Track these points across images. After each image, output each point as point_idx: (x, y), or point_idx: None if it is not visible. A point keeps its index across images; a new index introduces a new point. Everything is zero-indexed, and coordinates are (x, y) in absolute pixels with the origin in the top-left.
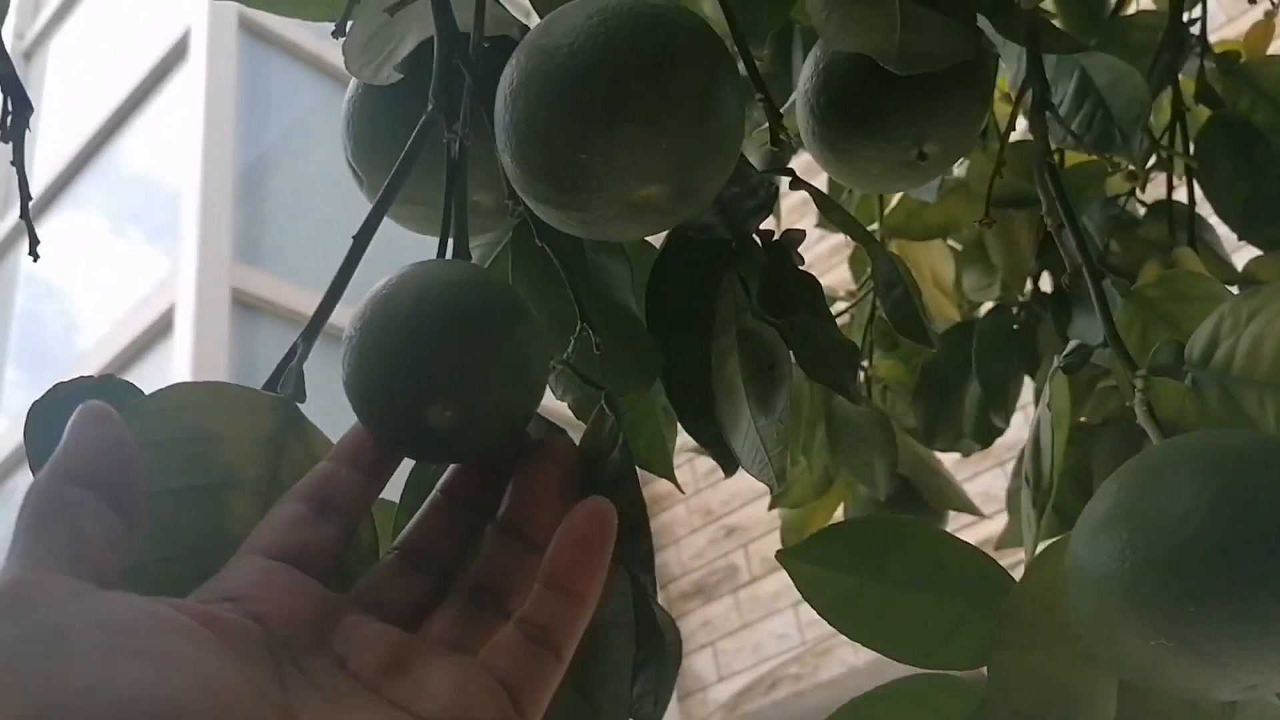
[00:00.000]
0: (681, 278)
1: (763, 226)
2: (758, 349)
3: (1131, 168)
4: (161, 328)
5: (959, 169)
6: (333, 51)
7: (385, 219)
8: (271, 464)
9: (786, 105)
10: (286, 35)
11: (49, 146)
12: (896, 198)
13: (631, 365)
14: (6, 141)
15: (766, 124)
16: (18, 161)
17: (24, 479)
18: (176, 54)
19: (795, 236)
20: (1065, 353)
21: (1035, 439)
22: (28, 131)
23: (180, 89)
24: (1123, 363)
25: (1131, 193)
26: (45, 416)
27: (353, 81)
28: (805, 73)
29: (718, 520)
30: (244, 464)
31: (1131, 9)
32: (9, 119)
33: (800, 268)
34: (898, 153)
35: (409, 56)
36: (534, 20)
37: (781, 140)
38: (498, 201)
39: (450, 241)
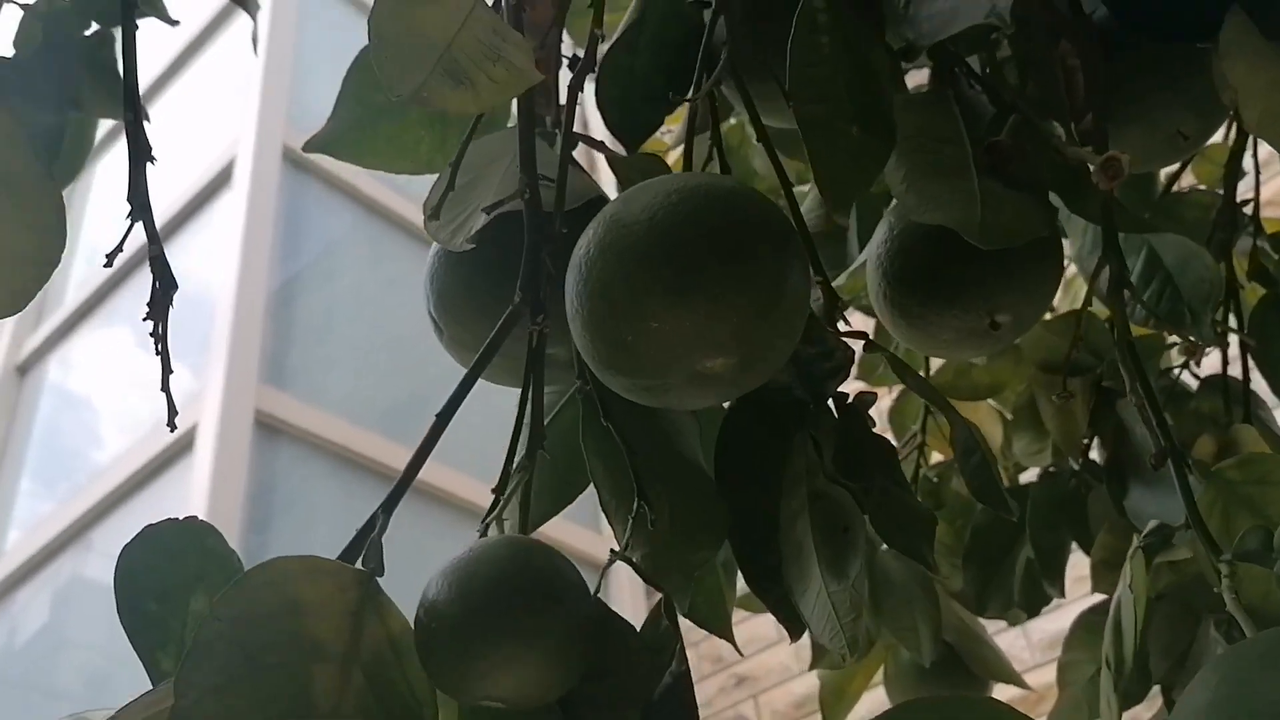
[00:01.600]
0: (751, 435)
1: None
2: (830, 511)
3: (1191, 339)
4: (182, 446)
5: None
6: (365, 179)
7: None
8: (353, 637)
9: (854, 267)
10: (324, 165)
11: (88, 260)
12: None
13: (699, 526)
14: (150, 320)
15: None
16: (161, 340)
17: (31, 592)
18: (221, 180)
19: (867, 399)
20: (1146, 533)
21: (1116, 621)
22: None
23: (222, 213)
24: (1206, 547)
25: (1185, 365)
26: (134, 558)
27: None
28: (878, 237)
29: (728, 668)
30: (329, 637)
31: (1183, 185)
32: (153, 297)
33: (874, 431)
34: (971, 321)
35: (486, 229)
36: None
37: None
38: (568, 355)
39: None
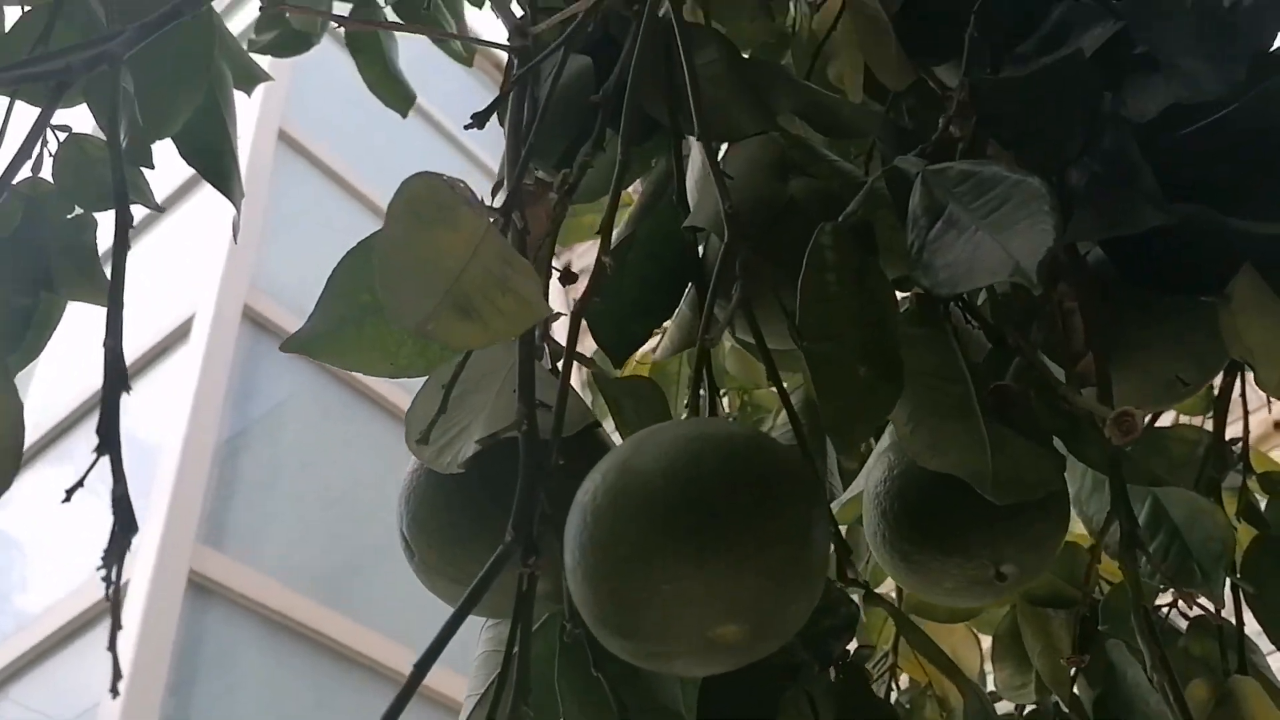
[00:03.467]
0: (739, 689)
1: None
2: None
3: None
4: (109, 607)
5: None
6: None
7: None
8: None
9: (848, 497)
10: (282, 324)
11: (43, 401)
12: None
13: None
14: (106, 565)
15: None
16: (113, 582)
17: None
18: (179, 334)
19: (865, 654)
20: None
21: None
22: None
23: (177, 367)
24: None
25: (1174, 604)
26: None
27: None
28: (876, 475)
29: None
30: None
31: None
32: (111, 538)
33: (872, 691)
34: (974, 570)
35: (472, 456)
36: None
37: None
38: (555, 589)
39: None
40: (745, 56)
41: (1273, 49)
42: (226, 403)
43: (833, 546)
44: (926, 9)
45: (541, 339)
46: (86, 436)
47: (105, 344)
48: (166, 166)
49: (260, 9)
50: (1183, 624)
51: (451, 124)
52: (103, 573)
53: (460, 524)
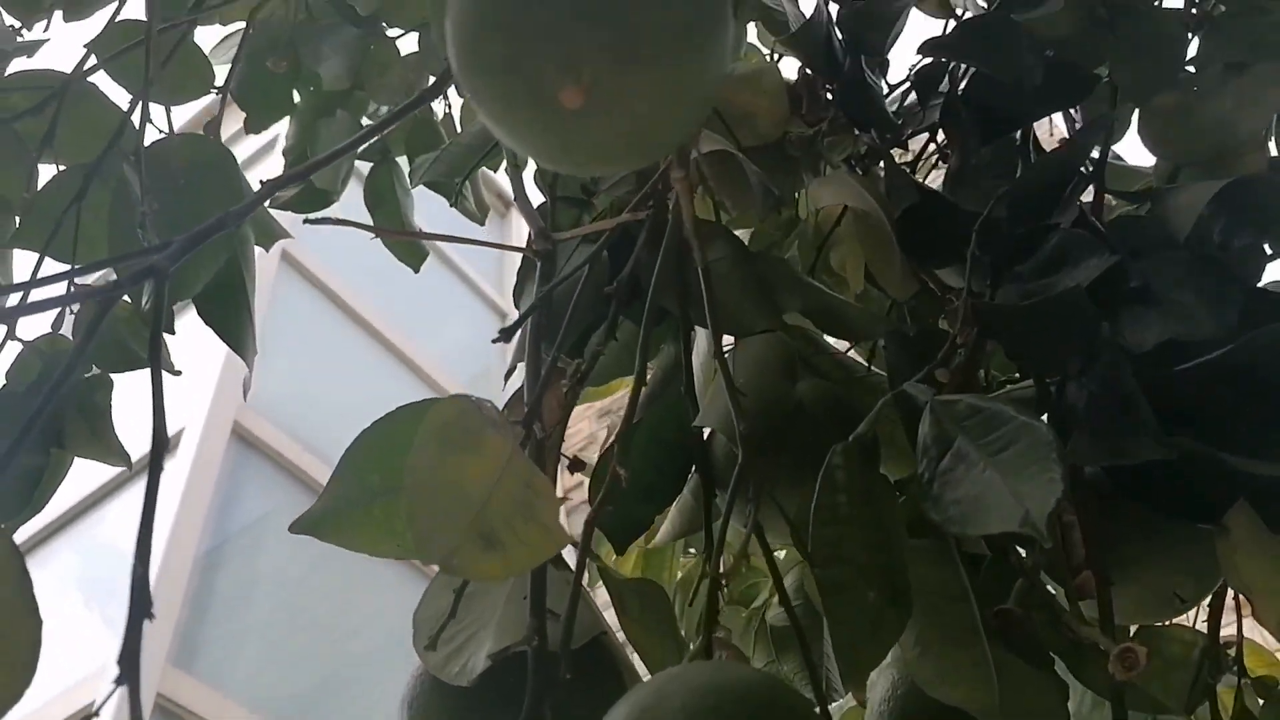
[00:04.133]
0: None
1: None
2: None
3: None
4: None
5: None
6: (310, 461)
7: None
8: None
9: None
10: (270, 442)
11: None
12: None
13: None
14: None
15: None
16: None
17: None
18: (168, 447)
19: None
20: None
21: None
22: None
23: (164, 479)
24: None
25: None
26: None
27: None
28: (879, 691)
29: None
30: None
31: None
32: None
33: None
34: None
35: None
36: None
37: None
38: None
39: None
40: (753, 250)
41: (1261, 286)
42: (209, 517)
43: None
44: (928, 214)
45: (585, 542)
46: (69, 542)
47: (134, 569)
48: None
49: (286, 167)
50: None
51: (452, 249)
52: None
53: None
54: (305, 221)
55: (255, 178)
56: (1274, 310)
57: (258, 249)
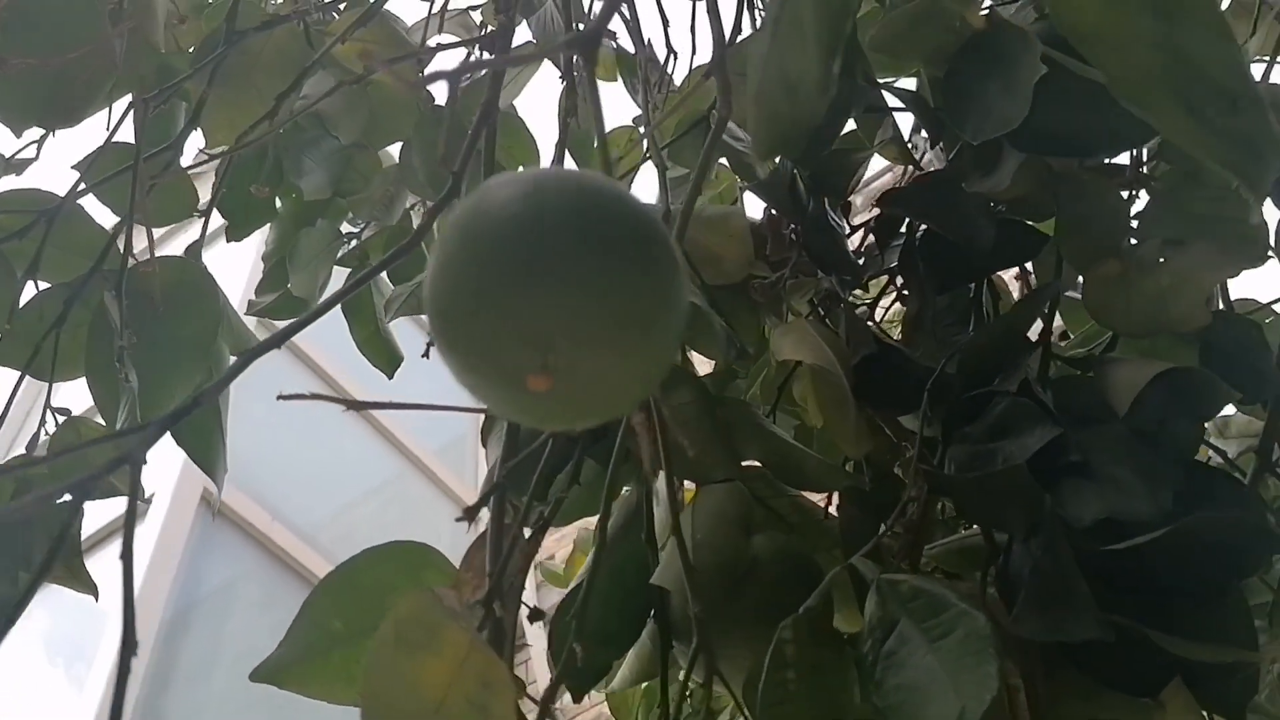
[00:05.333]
0: None
1: None
2: None
3: None
4: None
5: None
6: (279, 530)
7: None
8: None
9: None
10: (239, 511)
11: None
12: None
13: None
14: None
15: None
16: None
17: None
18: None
19: None
20: None
21: None
22: None
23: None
24: None
25: None
26: None
27: None
28: None
29: None
30: None
31: None
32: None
33: None
34: None
35: None
36: None
37: None
38: None
39: None
40: (716, 396)
41: (1197, 461)
42: (175, 584)
43: None
44: (884, 365)
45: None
46: (49, 604)
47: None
48: None
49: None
50: None
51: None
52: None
53: None
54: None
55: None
56: (1206, 490)
57: None
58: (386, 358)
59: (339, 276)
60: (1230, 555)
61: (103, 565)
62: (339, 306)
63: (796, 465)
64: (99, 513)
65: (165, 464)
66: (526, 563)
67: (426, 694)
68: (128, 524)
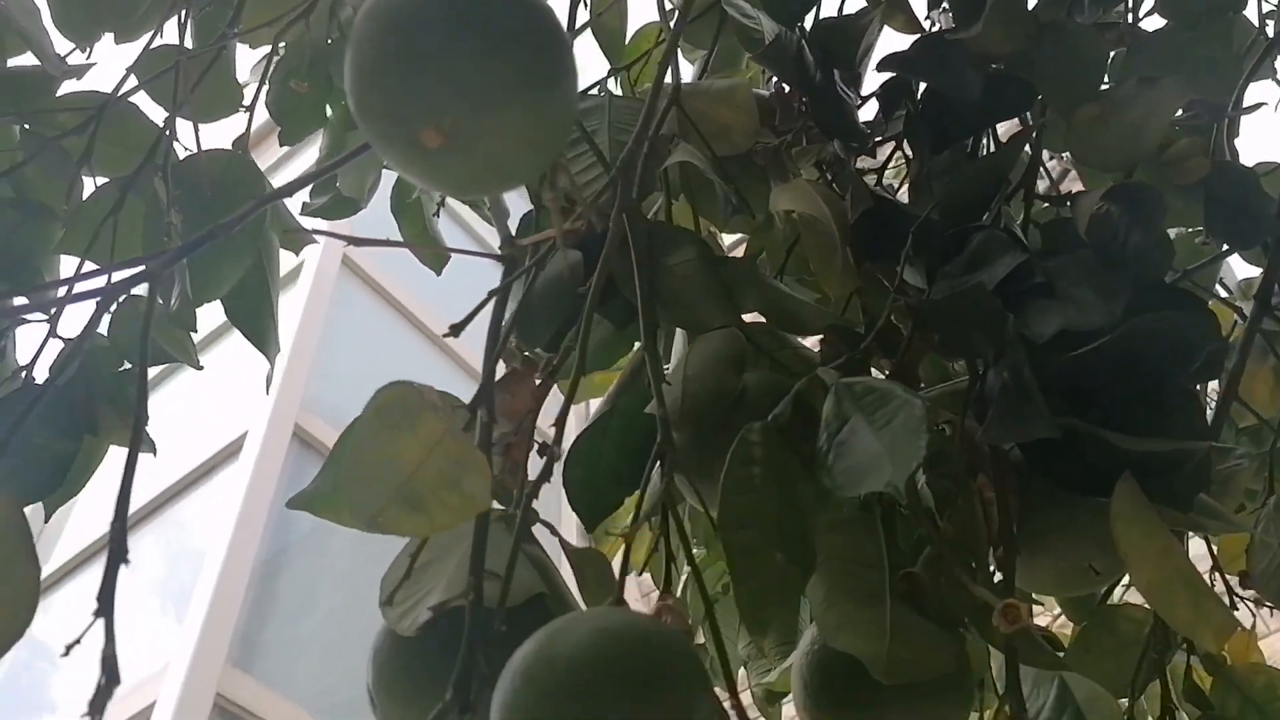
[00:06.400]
0: None
1: None
2: None
3: None
4: None
5: None
6: None
7: None
8: None
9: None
10: (329, 444)
11: (87, 515)
12: None
13: None
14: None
15: None
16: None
17: None
18: (231, 450)
19: None
20: None
21: None
22: None
23: (228, 481)
24: None
25: None
26: None
27: None
28: (802, 646)
29: None
30: None
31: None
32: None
33: None
34: None
35: (430, 620)
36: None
37: None
38: None
39: None
40: (721, 255)
41: (1157, 281)
42: (270, 521)
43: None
44: (880, 218)
45: (515, 505)
46: (155, 544)
47: (112, 524)
48: None
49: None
50: None
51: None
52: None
53: (417, 683)
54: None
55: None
56: (1164, 302)
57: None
58: (433, 257)
59: (388, 179)
60: (1175, 355)
61: (194, 507)
62: (389, 209)
63: (792, 312)
64: (193, 455)
65: (257, 402)
66: (536, 405)
67: (400, 463)
68: (142, 348)
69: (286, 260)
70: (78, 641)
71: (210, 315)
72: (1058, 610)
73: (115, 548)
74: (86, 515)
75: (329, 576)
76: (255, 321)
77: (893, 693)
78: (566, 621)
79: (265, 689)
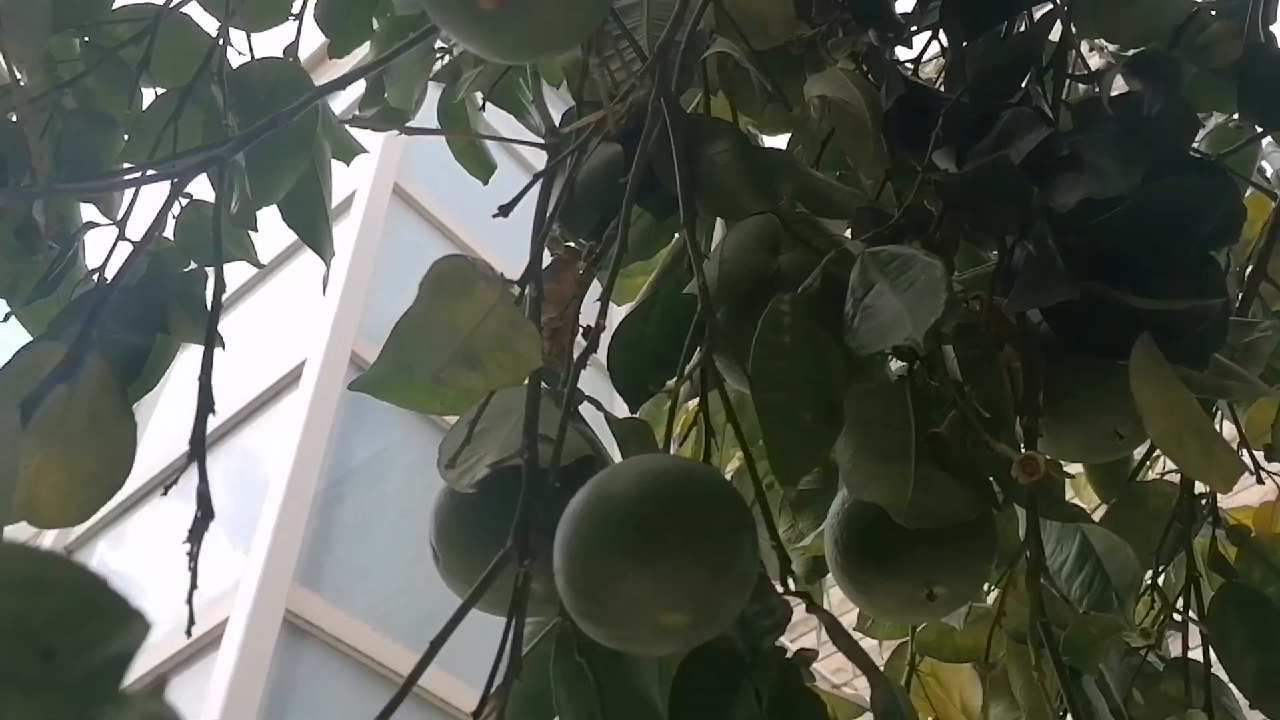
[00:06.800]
0: (701, 682)
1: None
2: None
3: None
4: (209, 642)
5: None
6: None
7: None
8: None
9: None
10: None
11: (160, 441)
12: None
13: None
14: (190, 541)
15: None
16: (195, 560)
17: None
18: (291, 378)
19: (808, 656)
20: None
21: None
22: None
23: (288, 409)
24: None
25: (1153, 646)
26: None
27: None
28: (833, 509)
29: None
30: None
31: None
32: (193, 525)
33: (808, 685)
34: (909, 591)
35: (486, 477)
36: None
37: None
38: (549, 591)
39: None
40: (757, 145)
41: (1179, 151)
42: (330, 447)
43: (777, 560)
44: (913, 104)
45: (563, 384)
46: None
47: (199, 378)
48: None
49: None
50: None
51: None
52: (187, 547)
53: (477, 536)
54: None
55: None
56: (1183, 169)
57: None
58: (480, 165)
59: (433, 92)
60: (1191, 217)
61: (255, 436)
62: (436, 119)
63: (825, 196)
64: (253, 384)
65: (314, 330)
66: (581, 291)
67: (458, 325)
68: (215, 228)
69: (338, 191)
70: (174, 482)
71: (264, 249)
72: None
73: (203, 398)
74: (145, 452)
75: (388, 505)
76: (311, 224)
77: (918, 543)
78: (616, 467)
79: (332, 606)
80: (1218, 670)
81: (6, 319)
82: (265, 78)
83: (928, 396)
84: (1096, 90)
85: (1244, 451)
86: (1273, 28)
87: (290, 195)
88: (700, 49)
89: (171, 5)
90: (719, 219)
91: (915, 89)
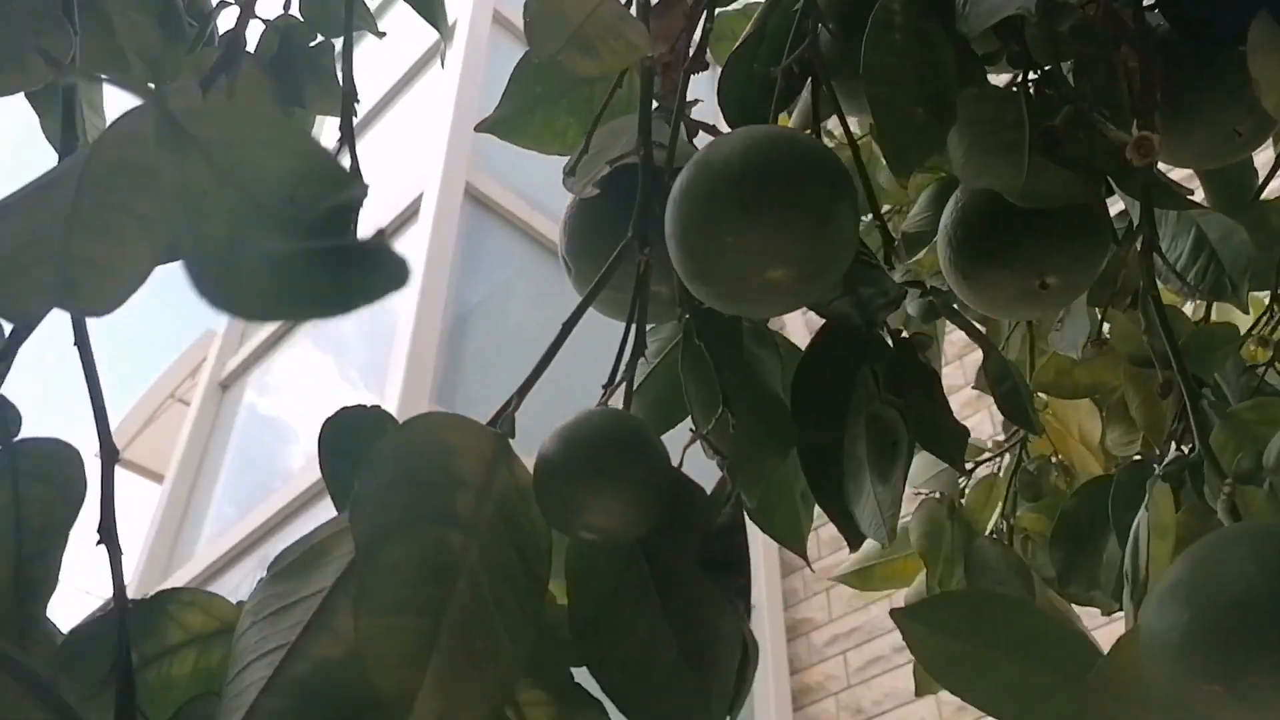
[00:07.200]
0: (822, 371)
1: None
2: (882, 429)
3: (1264, 336)
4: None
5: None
6: (539, 218)
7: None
8: (489, 477)
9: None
10: (503, 202)
11: None
12: (1046, 356)
13: (770, 438)
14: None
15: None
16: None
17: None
18: (410, 213)
19: (923, 340)
20: (1165, 462)
21: (1135, 539)
22: None
23: (408, 245)
24: (1213, 471)
25: (1270, 364)
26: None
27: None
28: (947, 209)
29: (868, 719)
30: (470, 473)
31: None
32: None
33: (920, 359)
34: (1022, 281)
35: (607, 176)
36: None
37: (893, 260)
38: (674, 293)
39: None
40: None
41: None
42: (454, 279)
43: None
44: None
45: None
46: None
47: (341, 125)
48: (394, 60)
49: None
50: None
51: None
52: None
53: (602, 239)
54: None
55: None
56: None
57: None
58: None
59: None
60: None
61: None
62: None
63: None
64: (373, 220)
65: (429, 163)
66: (691, 25)
67: (572, 14)
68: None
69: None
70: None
71: (369, 92)
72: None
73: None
74: None
75: (513, 336)
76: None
77: (1030, 234)
78: (723, 137)
79: None
80: None
81: None
82: None
83: (1042, 104)
84: None
85: None
86: None
87: None
88: None
89: None
90: None
91: None
